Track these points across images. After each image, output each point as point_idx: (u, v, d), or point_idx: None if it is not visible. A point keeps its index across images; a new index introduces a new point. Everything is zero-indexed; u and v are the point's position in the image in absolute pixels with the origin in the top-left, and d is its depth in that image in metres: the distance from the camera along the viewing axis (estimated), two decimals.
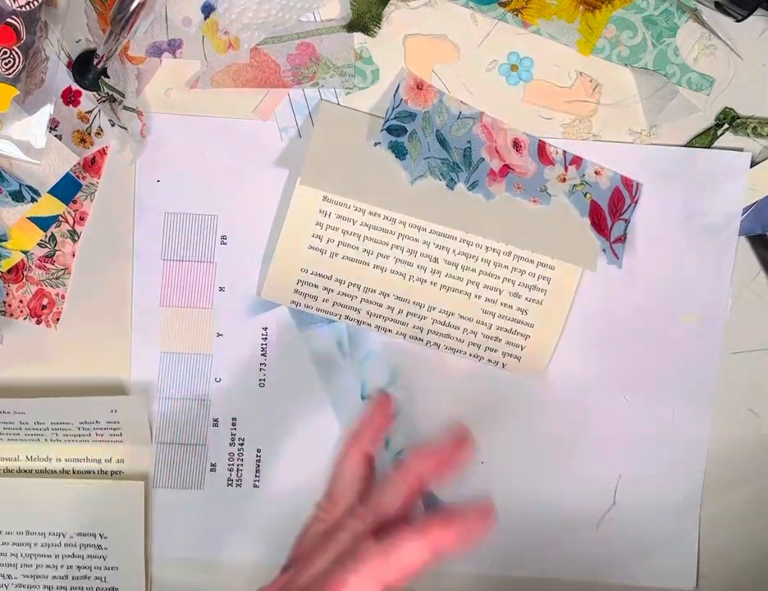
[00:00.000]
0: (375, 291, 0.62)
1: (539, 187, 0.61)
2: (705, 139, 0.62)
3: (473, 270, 0.62)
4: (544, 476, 0.65)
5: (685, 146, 0.62)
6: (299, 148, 0.61)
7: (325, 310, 0.62)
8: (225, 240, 0.63)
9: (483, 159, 0.60)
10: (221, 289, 0.63)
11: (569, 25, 0.60)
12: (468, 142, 0.60)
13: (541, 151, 0.61)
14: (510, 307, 0.62)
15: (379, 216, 0.61)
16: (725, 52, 0.61)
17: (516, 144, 0.61)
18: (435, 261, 0.62)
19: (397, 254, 0.61)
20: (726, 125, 0.62)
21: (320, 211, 0.61)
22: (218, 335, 0.64)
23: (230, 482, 0.65)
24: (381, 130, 0.60)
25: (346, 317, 0.62)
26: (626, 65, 0.61)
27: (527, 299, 0.62)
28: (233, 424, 0.64)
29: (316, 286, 0.62)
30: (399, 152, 0.60)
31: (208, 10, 0.59)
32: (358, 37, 0.60)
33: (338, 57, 0.60)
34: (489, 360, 0.63)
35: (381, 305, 0.62)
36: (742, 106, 0.62)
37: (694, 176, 0.62)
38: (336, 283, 0.62)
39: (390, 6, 0.60)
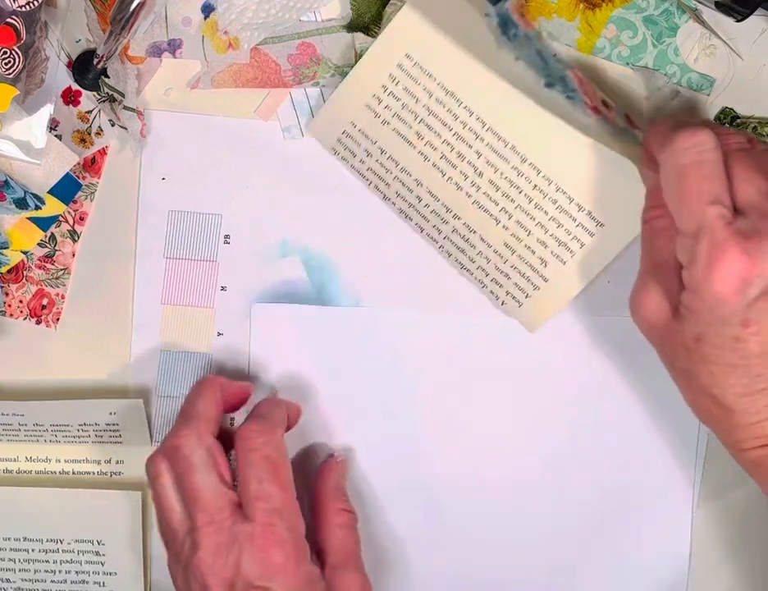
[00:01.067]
0: (411, 175, 0.60)
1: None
2: None
3: (512, 200, 0.59)
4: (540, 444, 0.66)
5: None
6: (301, 148, 0.62)
7: (358, 171, 0.61)
8: (228, 240, 0.63)
9: (578, 90, 0.57)
10: (222, 288, 0.63)
11: (569, 23, 0.60)
12: (564, 76, 0.57)
13: (629, 119, 0.59)
14: (533, 252, 0.60)
15: (443, 106, 0.58)
16: (725, 52, 0.61)
17: (605, 104, 0.59)
18: (479, 175, 0.59)
19: (445, 151, 0.59)
20: (726, 125, 0.62)
21: (390, 75, 0.58)
22: (219, 334, 0.63)
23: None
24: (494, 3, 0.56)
25: (375, 186, 0.61)
26: (627, 64, 0.61)
27: (552, 253, 0.59)
28: (231, 425, 0.64)
29: (358, 144, 0.60)
30: (506, 26, 0.56)
31: (207, 10, 0.59)
32: (358, 37, 0.60)
33: (338, 56, 0.60)
34: (491, 292, 0.62)
35: (411, 191, 0.60)
36: (742, 106, 0.62)
37: None
38: (377, 150, 0.60)
39: (390, 6, 0.60)
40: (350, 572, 0.59)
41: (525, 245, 0.59)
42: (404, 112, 0.58)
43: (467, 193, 0.59)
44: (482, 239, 0.60)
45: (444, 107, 0.57)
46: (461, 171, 0.59)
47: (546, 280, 0.60)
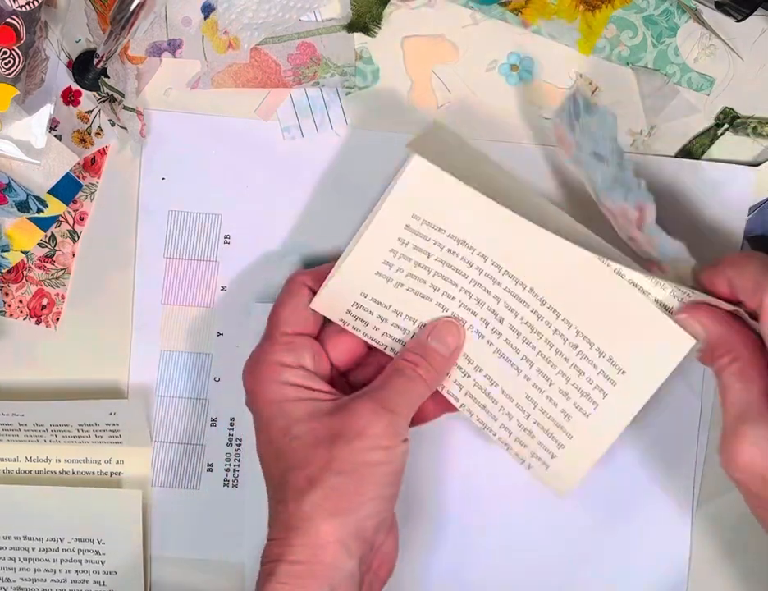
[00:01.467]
0: None
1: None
2: (705, 139, 0.62)
3: (533, 347, 0.56)
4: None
5: (686, 146, 0.62)
6: (301, 148, 0.62)
7: (372, 338, 0.59)
8: (228, 240, 0.63)
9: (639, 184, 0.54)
10: (222, 288, 0.63)
11: (569, 24, 0.60)
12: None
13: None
14: (555, 404, 0.57)
15: (457, 256, 0.56)
16: (725, 52, 0.61)
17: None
18: (500, 321, 0.56)
19: (464, 299, 0.56)
20: (726, 125, 0.62)
21: (398, 239, 0.56)
22: (218, 334, 0.63)
23: (226, 482, 0.65)
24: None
25: (392, 349, 0.59)
26: (627, 64, 0.61)
27: (575, 404, 0.56)
28: (231, 424, 0.64)
29: (371, 313, 0.58)
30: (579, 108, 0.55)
31: (207, 10, 0.59)
32: (358, 37, 0.60)
33: (338, 56, 0.60)
34: (516, 454, 0.59)
35: None
36: (742, 106, 0.62)
37: (697, 186, 0.62)
38: (392, 314, 0.58)
39: (391, 6, 0.60)
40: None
41: (547, 397, 0.57)
42: (417, 270, 0.56)
43: (488, 341, 0.57)
44: (504, 392, 0.57)
45: (458, 256, 0.56)
46: (481, 318, 0.57)
47: (570, 437, 0.57)
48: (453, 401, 0.59)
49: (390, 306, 0.57)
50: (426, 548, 0.65)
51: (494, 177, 0.59)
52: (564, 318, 0.55)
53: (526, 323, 0.56)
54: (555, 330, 0.56)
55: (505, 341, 0.57)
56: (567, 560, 0.66)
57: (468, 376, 0.58)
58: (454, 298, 0.57)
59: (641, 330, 0.55)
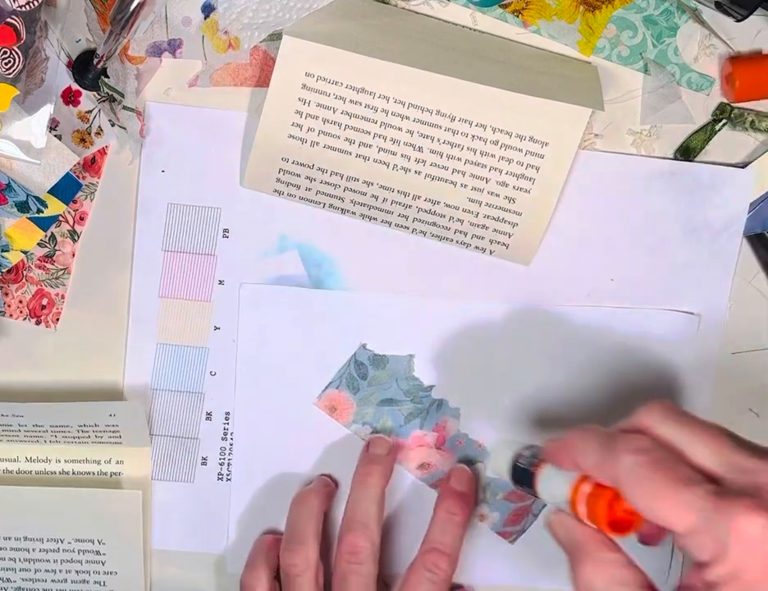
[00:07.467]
0: (358, 180, 0.61)
1: None
2: (703, 135, 0.62)
3: (459, 159, 0.60)
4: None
5: (684, 143, 0.62)
6: None
7: (308, 199, 0.61)
8: (227, 234, 0.63)
9: None
10: (220, 282, 0.63)
11: (569, 25, 0.60)
12: None
13: None
14: (497, 196, 0.61)
15: (360, 104, 0.59)
16: (725, 52, 0.61)
17: None
18: (419, 150, 0.60)
19: (380, 143, 0.60)
20: (724, 120, 0.62)
21: (299, 99, 0.59)
22: (215, 328, 0.63)
23: (220, 476, 0.65)
24: None
25: (330, 205, 0.61)
26: (629, 63, 0.61)
27: (514, 187, 0.60)
28: (226, 418, 0.64)
29: (298, 176, 0.61)
30: None
31: (207, 10, 0.59)
32: None
33: None
34: (476, 247, 0.62)
35: (365, 194, 0.61)
36: (741, 105, 0.62)
37: (696, 187, 0.63)
38: (318, 172, 0.60)
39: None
40: None
41: (488, 193, 0.61)
42: (326, 126, 0.59)
43: (416, 171, 0.60)
44: (447, 205, 0.61)
45: (361, 104, 0.59)
46: (402, 154, 0.60)
47: (519, 214, 0.61)
48: (404, 231, 0.62)
49: (313, 165, 0.60)
50: None
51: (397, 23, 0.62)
52: (477, 123, 0.59)
53: (445, 142, 0.60)
54: (474, 136, 0.59)
55: (432, 165, 0.60)
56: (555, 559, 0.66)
57: (410, 206, 0.61)
58: (370, 145, 0.60)
59: (549, 105, 0.58)
